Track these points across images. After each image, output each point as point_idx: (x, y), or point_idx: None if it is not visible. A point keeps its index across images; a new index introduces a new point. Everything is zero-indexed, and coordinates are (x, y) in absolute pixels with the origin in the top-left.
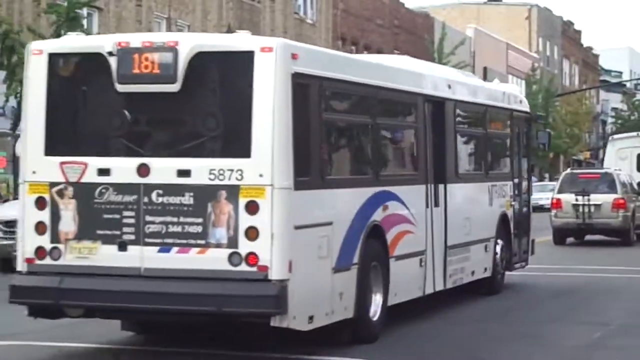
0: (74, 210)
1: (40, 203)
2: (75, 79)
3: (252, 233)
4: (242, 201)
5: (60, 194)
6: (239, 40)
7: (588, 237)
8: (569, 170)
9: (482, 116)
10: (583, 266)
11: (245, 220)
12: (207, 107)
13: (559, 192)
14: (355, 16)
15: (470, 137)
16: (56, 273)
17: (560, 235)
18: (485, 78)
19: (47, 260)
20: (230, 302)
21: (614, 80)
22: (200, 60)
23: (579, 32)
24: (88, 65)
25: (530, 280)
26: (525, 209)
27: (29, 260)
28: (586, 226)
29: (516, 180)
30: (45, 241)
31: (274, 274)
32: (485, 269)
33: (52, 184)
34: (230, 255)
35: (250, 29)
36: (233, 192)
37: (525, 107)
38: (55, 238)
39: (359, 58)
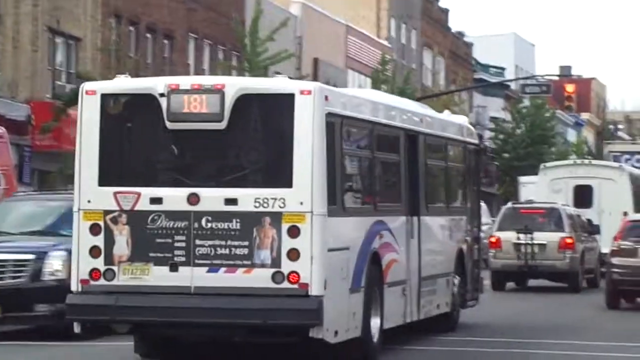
0: (128, 235)
1: (94, 229)
2: (126, 117)
3: (293, 254)
4: (285, 226)
5: (114, 220)
6: (281, 83)
7: (532, 282)
8: (510, 205)
9: (444, 149)
10: (498, 335)
11: (288, 243)
12: (252, 142)
13: (499, 229)
14: None
15: (435, 169)
16: (111, 292)
17: (500, 279)
18: (315, 72)
19: (101, 281)
20: (274, 315)
21: (493, 80)
22: (245, 101)
23: (445, 12)
24: (139, 105)
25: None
26: (476, 245)
27: (83, 282)
28: (529, 269)
29: (469, 215)
30: (99, 264)
31: (314, 290)
32: (447, 304)
33: (107, 212)
34: (274, 274)
35: None
36: (276, 218)
37: (476, 138)
38: (109, 261)
39: (365, 97)
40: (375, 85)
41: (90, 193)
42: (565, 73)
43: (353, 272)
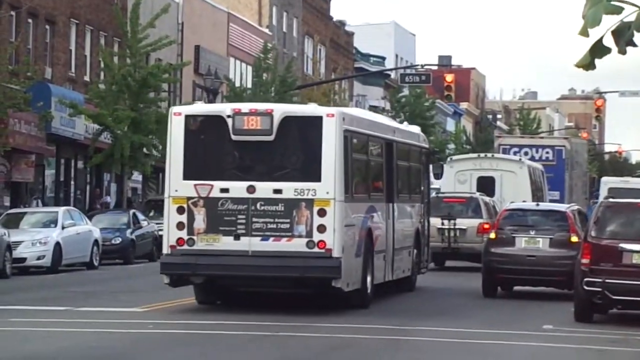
0: (204, 215)
1: (180, 210)
2: (203, 131)
3: (321, 228)
4: (315, 208)
5: (194, 204)
6: (312, 109)
7: (449, 263)
8: (434, 194)
9: (408, 153)
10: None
11: (317, 220)
12: (292, 150)
13: None
14: None
15: (402, 168)
16: (191, 254)
17: None
18: (197, 60)
19: (185, 247)
20: (309, 270)
21: (373, 69)
22: (287, 121)
23: (326, 1)
24: (212, 123)
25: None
26: (427, 226)
27: (172, 247)
28: (451, 251)
29: (423, 202)
30: (183, 234)
31: (335, 253)
32: (409, 269)
33: (189, 198)
34: (308, 242)
35: None
36: (309, 203)
37: (427, 143)
38: (190, 232)
39: (362, 115)
40: (257, 74)
41: (177, 185)
42: (445, 63)
43: (357, 241)
